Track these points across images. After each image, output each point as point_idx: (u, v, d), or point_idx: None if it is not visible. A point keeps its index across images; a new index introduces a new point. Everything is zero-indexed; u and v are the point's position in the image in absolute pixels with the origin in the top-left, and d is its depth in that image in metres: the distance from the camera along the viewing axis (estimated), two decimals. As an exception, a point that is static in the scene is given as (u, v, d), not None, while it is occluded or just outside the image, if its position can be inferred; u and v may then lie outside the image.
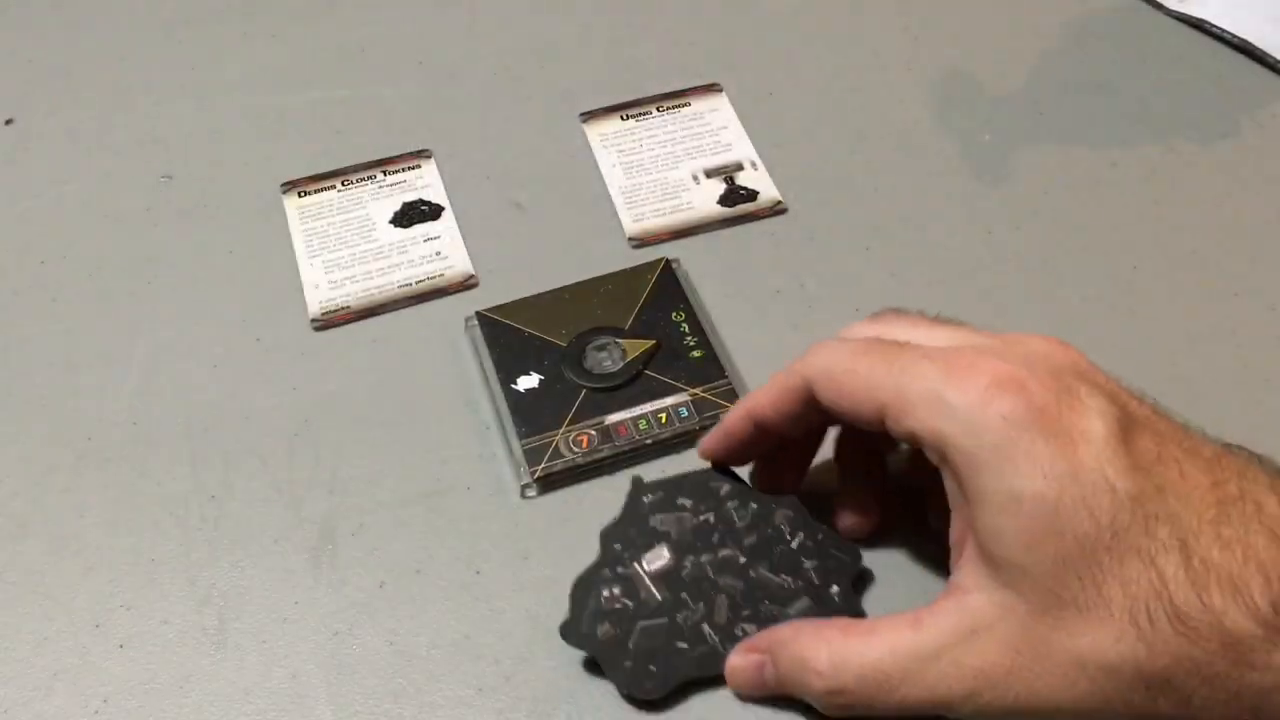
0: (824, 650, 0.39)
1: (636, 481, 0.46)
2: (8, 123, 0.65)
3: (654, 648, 0.43)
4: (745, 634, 0.43)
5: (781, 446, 0.46)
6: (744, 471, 0.47)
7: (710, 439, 0.46)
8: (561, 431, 0.50)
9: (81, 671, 0.45)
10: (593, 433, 0.50)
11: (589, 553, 0.47)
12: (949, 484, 0.38)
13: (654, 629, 0.43)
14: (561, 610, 0.45)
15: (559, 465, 0.49)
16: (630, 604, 0.44)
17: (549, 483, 0.49)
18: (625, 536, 0.45)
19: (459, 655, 0.45)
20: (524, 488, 0.49)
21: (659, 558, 0.44)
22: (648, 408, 0.51)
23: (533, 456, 0.49)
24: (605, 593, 0.44)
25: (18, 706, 0.44)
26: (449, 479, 0.50)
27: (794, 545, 0.45)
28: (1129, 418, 0.36)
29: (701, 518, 0.45)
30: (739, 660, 0.42)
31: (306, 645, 0.45)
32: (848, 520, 0.46)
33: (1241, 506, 0.34)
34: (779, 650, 0.41)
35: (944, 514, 0.40)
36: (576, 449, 0.49)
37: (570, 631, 0.43)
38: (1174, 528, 0.34)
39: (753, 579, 0.44)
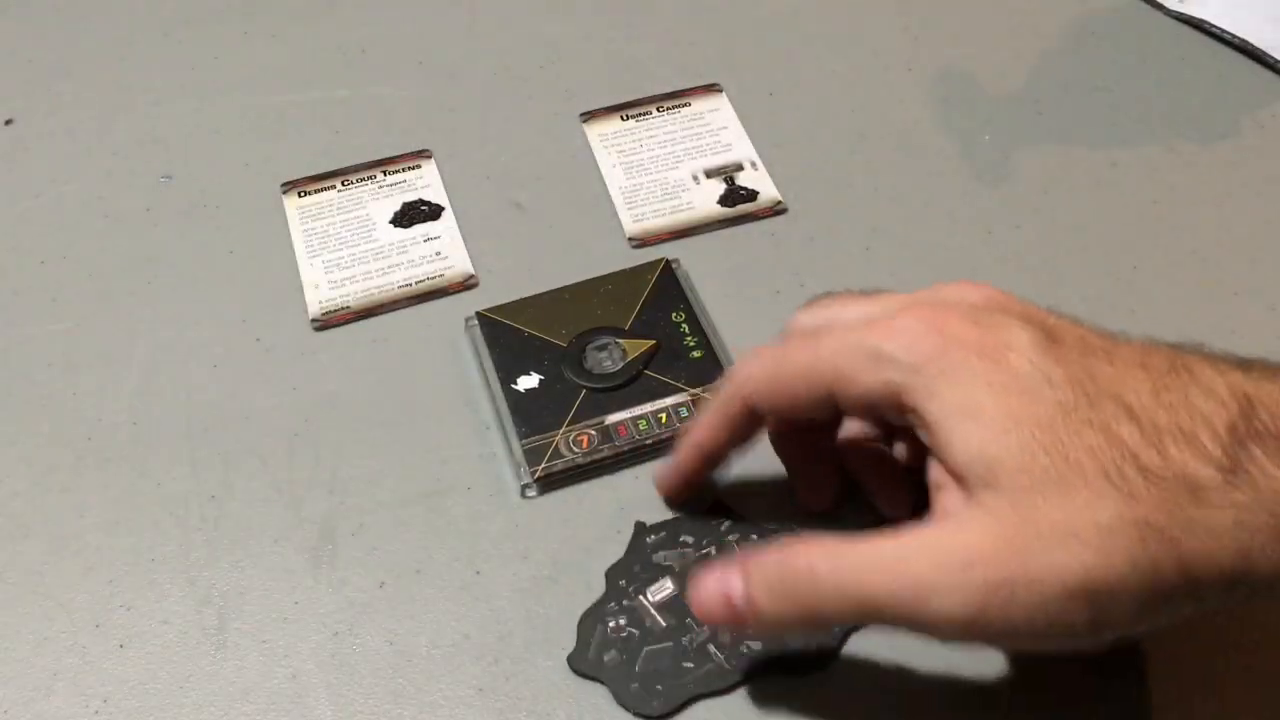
0: (802, 550, 0.37)
1: (639, 525, 0.47)
2: (8, 123, 0.65)
3: (660, 669, 0.43)
4: (750, 650, 0.43)
5: (812, 461, 0.46)
6: (746, 510, 0.47)
7: (664, 479, 0.47)
8: (561, 432, 0.50)
9: (81, 671, 0.45)
10: (593, 433, 0.50)
11: (589, 554, 0.47)
12: (920, 432, 0.39)
13: (659, 652, 0.44)
14: (562, 609, 0.45)
15: (559, 465, 0.49)
16: (636, 632, 0.44)
17: (549, 483, 0.49)
18: (630, 573, 0.46)
19: (459, 655, 0.45)
20: (524, 488, 0.49)
21: (664, 589, 0.45)
22: (648, 408, 0.51)
23: (533, 456, 0.49)
24: (611, 624, 0.44)
25: (18, 706, 0.44)
26: (449, 479, 0.50)
27: (760, 539, 0.45)
28: (1048, 329, 0.38)
29: (703, 551, 0.46)
30: (709, 579, 0.39)
31: (306, 645, 0.45)
32: (805, 499, 0.47)
33: (1174, 377, 0.36)
34: (752, 561, 0.39)
35: (891, 490, 0.44)
36: (576, 449, 0.49)
37: (578, 661, 0.44)
38: (1117, 403, 0.36)
39: None
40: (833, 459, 0.47)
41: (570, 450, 0.49)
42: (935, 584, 0.35)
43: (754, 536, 0.46)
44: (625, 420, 0.50)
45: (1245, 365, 0.37)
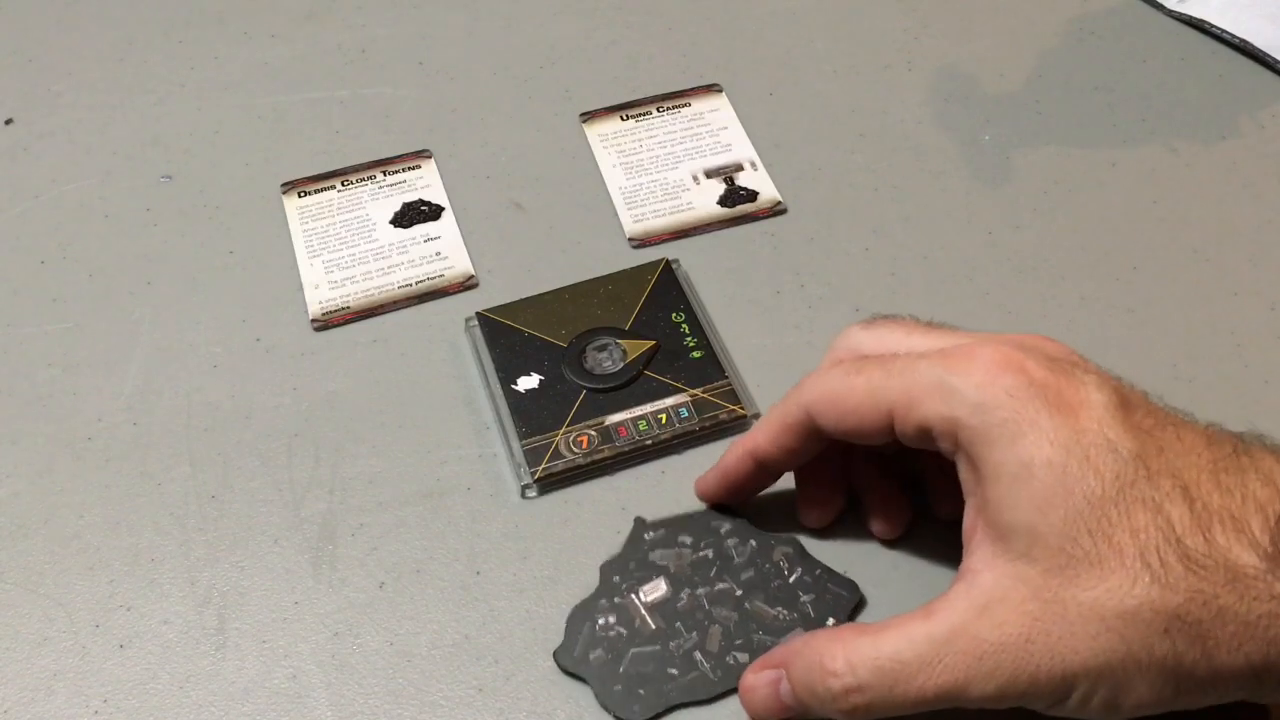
0: (839, 650, 0.38)
1: (639, 521, 0.47)
2: (8, 123, 0.65)
3: (644, 673, 0.43)
4: (737, 662, 0.43)
5: (811, 480, 0.46)
6: (749, 511, 0.47)
7: (708, 480, 0.47)
8: (561, 432, 0.50)
9: (81, 672, 0.45)
10: (593, 433, 0.50)
11: (588, 554, 0.47)
12: (963, 471, 0.39)
13: (645, 655, 0.44)
14: (562, 609, 0.45)
15: (559, 466, 0.49)
16: (624, 632, 0.44)
17: (549, 483, 0.49)
18: (625, 570, 0.46)
19: (459, 655, 0.45)
20: (524, 488, 0.49)
21: (656, 589, 0.45)
22: (648, 408, 0.51)
23: (533, 457, 0.49)
24: (601, 620, 0.44)
25: (18, 707, 0.44)
26: (449, 479, 0.50)
27: (791, 580, 0.45)
28: (1123, 395, 0.38)
29: (700, 553, 0.46)
30: (753, 679, 0.41)
31: (306, 645, 0.45)
32: (808, 514, 0.47)
33: (1236, 460, 0.36)
34: (793, 660, 0.40)
35: (889, 512, 0.45)
36: (576, 449, 0.49)
37: (564, 656, 0.44)
38: (1176, 479, 0.35)
39: (747, 610, 0.44)
40: (842, 481, 0.47)
41: (570, 451, 0.49)
42: (971, 676, 0.36)
43: (752, 542, 0.46)
44: (625, 420, 0.50)
45: None
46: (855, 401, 0.40)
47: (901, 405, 0.39)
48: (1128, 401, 0.37)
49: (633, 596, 0.45)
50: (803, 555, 0.46)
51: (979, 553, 0.38)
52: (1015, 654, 0.35)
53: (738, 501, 0.47)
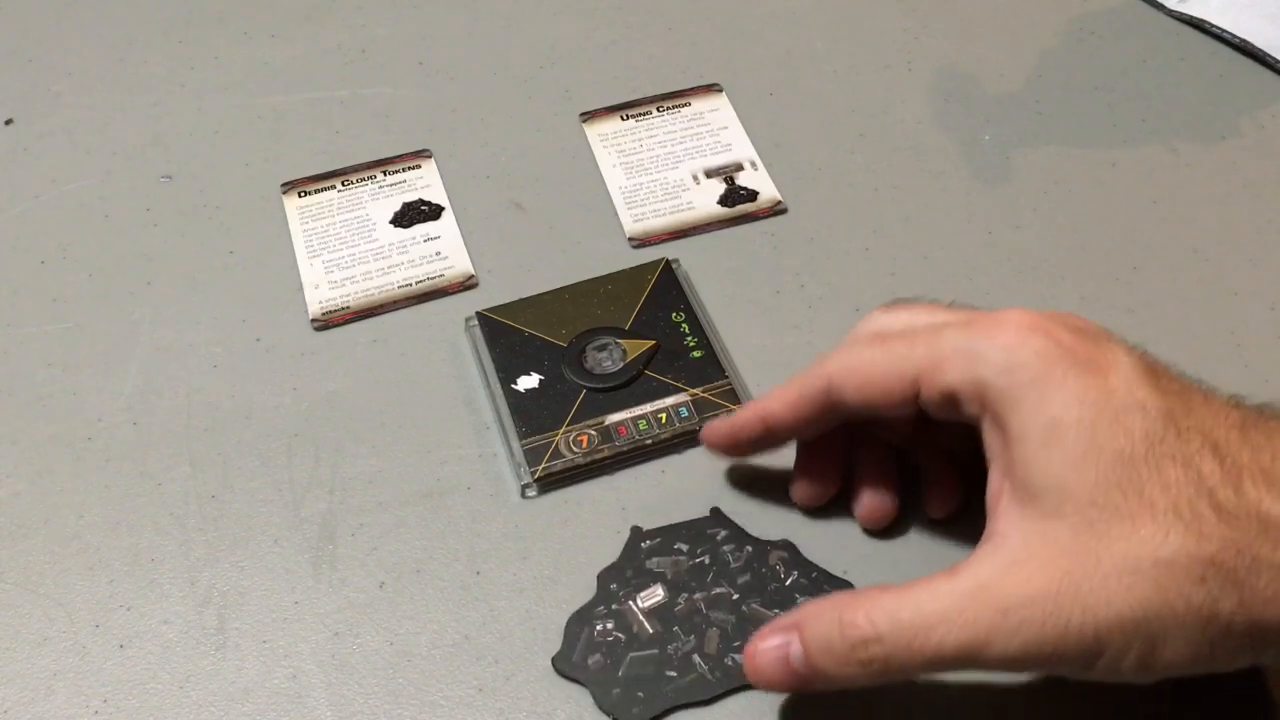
0: (860, 603, 0.37)
1: (635, 530, 0.47)
2: (8, 123, 0.65)
3: (643, 676, 0.43)
4: (735, 663, 0.43)
5: (813, 455, 0.46)
6: (745, 516, 0.47)
7: (715, 429, 0.46)
8: (561, 432, 0.50)
9: (81, 672, 0.45)
10: (593, 433, 0.50)
11: (588, 554, 0.47)
12: (988, 436, 0.39)
13: (644, 659, 0.44)
14: (562, 609, 0.45)
15: (559, 465, 0.49)
16: (622, 637, 0.44)
17: (549, 483, 0.49)
18: (622, 577, 0.46)
19: (459, 655, 0.45)
20: (524, 488, 0.49)
21: (653, 595, 0.45)
22: (648, 408, 0.51)
23: (533, 457, 0.49)
24: (599, 626, 0.44)
25: (18, 707, 0.44)
26: (449, 479, 0.50)
27: (788, 583, 0.45)
28: (1150, 361, 0.38)
29: (697, 560, 0.46)
30: (764, 642, 0.39)
31: (307, 645, 0.45)
32: (802, 490, 0.46)
33: (1264, 422, 0.37)
34: (808, 620, 0.38)
35: (944, 492, 0.45)
36: (576, 449, 0.49)
37: (562, 663, 0.44)
38: (1205, 436, 0.36)
39: (745, 613, 0.44)
40: (842, 463, 0.47)
41: (570, 450, 0.49)
42: (994, 632, 0.35)
43: (748, 548, 0.46)
44: (625, 420, 0.50)
45: None
46: (879, 370, 0.40)
47: (927, 371, 0.39)
48: (1154, 367, 0.38)
49: (630, 603, 0.45)
50: (799, 559, 0.46)
51: (1005, 516, 0.37)
52: (1043, 609, 0.34)
53: (738, 456, 0.47)
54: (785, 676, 0.39)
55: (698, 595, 0.45)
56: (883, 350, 0.40)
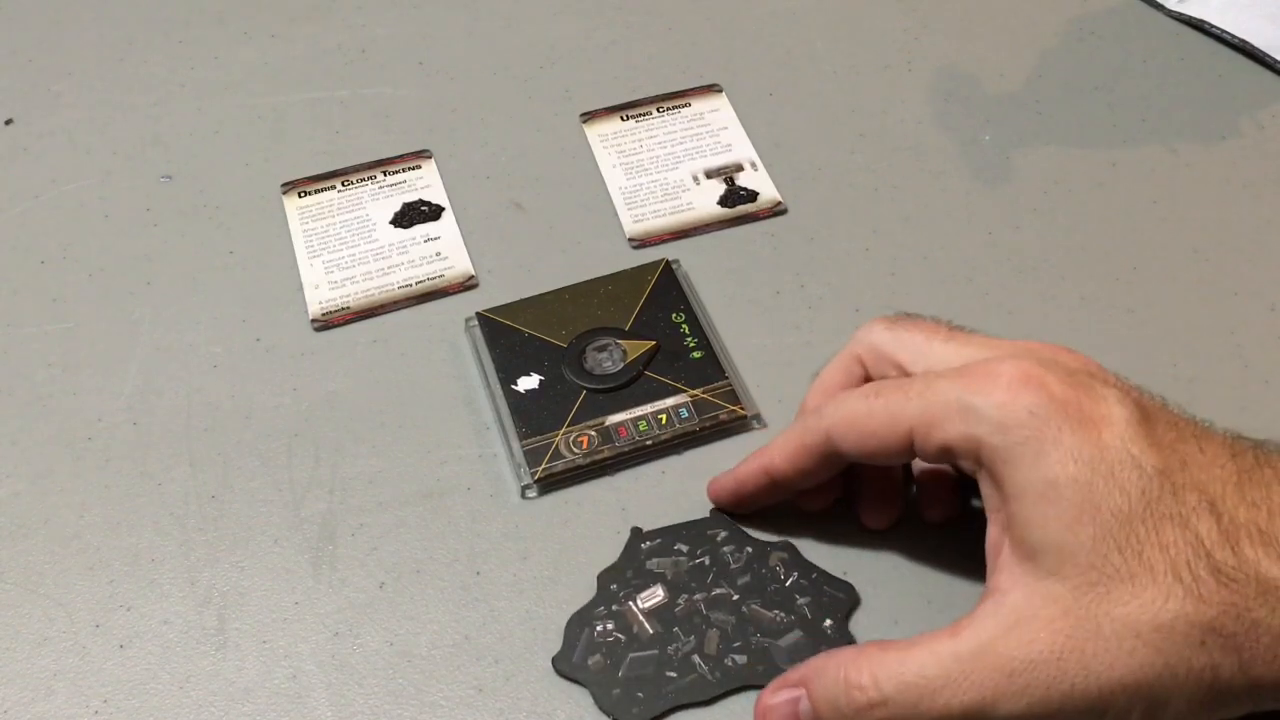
0: (865, 665, 0.38)
1: (635, 531, 0.47)
2: (8, 123, 0.65)
3: (643, 676, 0.43)
4: (735, 664, 0.43)
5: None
6: (745, 518, 0.47)
7: (722, 486, 0.47)
8: (562, 432, 0.50)
9: (81, 672, 0.45)
10: (593, 434, 0.50)
11: (588, 555, 0.47)
12: (985, 489, 0.39)
13: (644, 659, 0.44)
14: (562, 610, 0.45)
15: (559, 466, 0.49)
16: (622, 637, 0.44)
17: (549, 483, 0.49)
18: (622, 578, 0.46)
19: (459, 655, 0.45)
20: (524, 488, 0.49)
21: (654, 596, 0.45)
22: (648, 409, 0.51)
23: (533, 457, 0.49)
24: (599, 627, 0.44)
25: (18, 707, 0.44)
26: (449, 479, 0.50)
27: (788, 584, 0.45)
28: (1144, 408, 0.38)
29: (697, 560, 0.46)
30: (771, 699, 0.41)
31: (307, 645, 0.45)
32: (805, 496, 0.46)
33: (1260, 473, 0.36)
34: (814, 678, 0.39)
35: (883, 504, 0.45)
36: (577, 450, 0.49)
37: (562, 663, 0.44)
38: (1201, 494, 0.35)
39: (745, 614, 0.44)
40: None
41: (570, 451, 0.49)
42: (1000, 693, 0.35)
43: (748, 549, 0.46)
44: (625, 421, 0.50)
45: None
46: (875, 425, 0.40)
47: (922, 426, 0.39)
48: (1149, 415, 0.37)
49: (630, 604, 0.45)
50: (799, 560, 0.46)
51: (1006, 571, 0.37)
52: (1047, 671, 0.35)
53: (747, 511, 0.47)
54: None
55: (698, 596, 0.45)
56: (879, 404, 0.40)
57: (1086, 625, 0.35)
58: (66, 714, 0.44)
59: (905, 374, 0.42)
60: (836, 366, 0.45)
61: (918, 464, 0.47)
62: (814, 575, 0.45)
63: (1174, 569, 0.34)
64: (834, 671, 0.38)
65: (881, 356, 0.43)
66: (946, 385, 0.39)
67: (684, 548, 0.46)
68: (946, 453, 0.39)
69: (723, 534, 0.47)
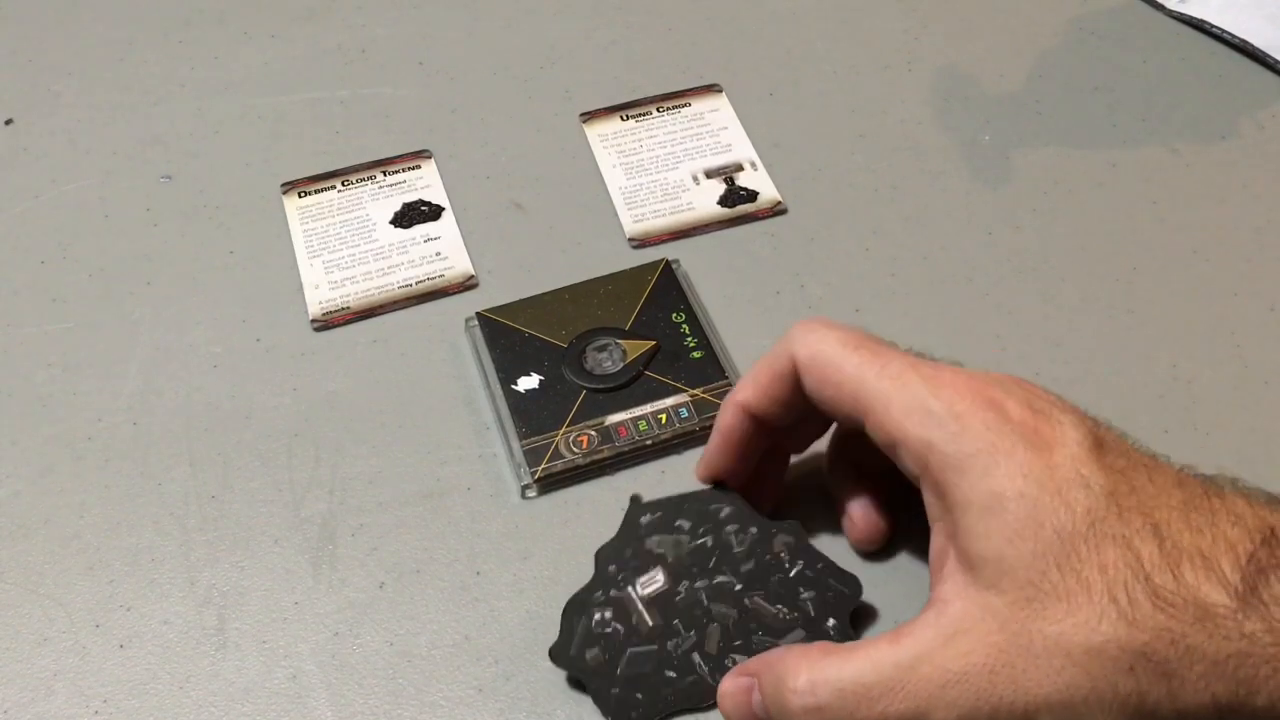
0: (804, 668, 0.38)
1: (635, 500, 0.46)
2: (8, 123, 0.65)
3: (642, 675, 0.43)
4: (735, 665, 0.43)
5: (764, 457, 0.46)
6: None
7: (707, 452, 0.45)
8: (561, 432, 0.50)
9: (81, 672, 0.45)
10: (593, 433, 0.50)
11: (588, 554, 0.47)
12: (928, 497, 0.39)
13: (643, 656, 0.43)
14: (562, 610, 0.45)
15: (559, 466, 0.49)
16: (621, 629, 0.43)
17: (549, 483, 0.49)
18: (621, 558, 0.45)
19: (459, 655, 0.45)
20: (524, 488, 0.49)
21: (653, 581, 0.44)
22: (648, 408, 0.51)
23: (533, 457, 0.49)
24: (597, 615, 0.44)
25: (18, 707, 0.44)
26: (449, 479, 0.50)
27: (792, 574, 0.44)
28: (1098, 436, 0.38)
29: (699, 541, 0.45)
30: (729, 684, 0.41)
31: (307, 645, 0.45)
32: (857, 531, 0.46)
33: (1208, 500, 0.36)
34: (764, 672, 0.40)
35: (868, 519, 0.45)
36: (576, 450, 0.49)
37: (559, 654, 0.43)
38: (1146, 517, 0.36)
39: (748, 608, 0.44)
40: (783, 468, 0.47)
41: (570, 451, 0.49)
42: (933, 704, 0.36)
43: (753, 529, 0.45)
44: (625, 421, 0.50)
45: (1271, 498, 0.37)
46: (840, 378, 0.40)
47: (880, 409, 0.39)
48: (1102, 442, 0.37)
49: (630, 589, 0.44)
50: (804, 546, 0.45)
51: (949, 581, 0.38)
52: (978, 684, 0.36)
53: (738, 470, 0.45)
54: (749, 718, 0.41)
55: (699, 584, 0.44)
56: (854, 360, 0.40)
57: (1020, 640, 0.35)
58: (66, 714, 0.44)
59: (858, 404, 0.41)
60: (768, 363, 0.43)
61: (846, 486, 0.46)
62: (820, 565, 0.44)
63: (1110, 590, 0.34)
64: (778, 670, 0.39)
65: (865, 337, 0.42)
66: (914, 379, 0.39)
67: (685, 524, 0.45)
68: (892, 444, 0.39)
69: (726, 509, 0.45)
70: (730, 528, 0.45)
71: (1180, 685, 0.34)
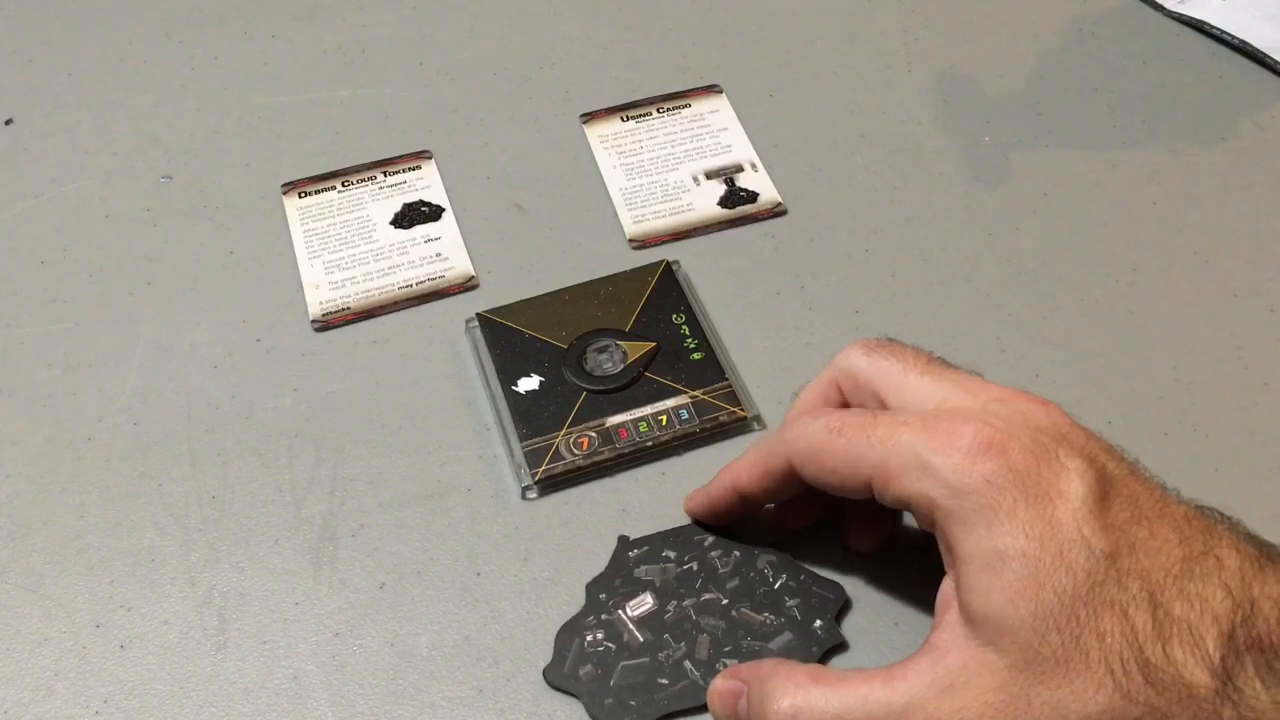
0: (789, 691, 0.38)
1: (622, 539, 0.47)
2: (8, 123, 0.65)
3: (635, 684, 0.43)
4: (725, 668, 0.43)
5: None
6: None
7: (696, 503, 0.47)
8: (562, 433, 0.50)
9: (82, 672, 0.45)
10: (593, 435, 0.50)
11: (589, 555, 0.47)
12: (941, 546, 0.39)
13: (635, 668, 0.43)
14: (562, 612, 0.45)
15: (559, 467, 0.49)
16: (613, 646, 0.44)
17: (549, 485, 0.49)
18: (610, 587, 0.46)
19: (459, 656, 0.45)
20: (524, 489, 0.49)
21: (643, 604, 0.45)
22: (648, 410, 0.51)
23: (533, 458, 0.49)
24: (589, 637, 0.44)
25: (18, 707, 0.44)
26: (449, 480, 0.50)
27: (776, 586, 0.45)
28: (1106, 479, 0.37)
29: (685, 566, 0.46)
30: (720, 684, 0.41)
31: (307, 646, 0.45)
32: (857, 539, 0.46)
33: (1204, 562, 0.36)
34: (754, 684, 0.40)
35: (863, 534, 0.45)
36: (577, 451, 0.49)
37: (554, 674, 0.44)
38: (1144, 582, 0.35)
39: (735, 618, 0.44)
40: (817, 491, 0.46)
41: (570, 452, 0.49)
42: None
43: (736, 553, 0.46)
44: (626, 422, 0.50)
45: (1265, 554, 0.36)
46: (836, 463, 0.40)
47: (880, 476, 0.39)
48: (1107, 490, 0.37)
49: (620, 612, 0.45)
50: (787, 562, 0.46)
51: (949, 630, 0.37)
52: None
53: (720, 524, 0.47)
54: None
55: (687, 602, 0.45)
56: (841, 443, 0.40)
57: (1018, 703, 0.35)
58: (66, 714, 0.44)
59: (881, 404, 0.42)
60: (815, 390, 0.45)
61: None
62: (802, 577, 0.45)
63: (1107, 660, 0.34)
64: (766, 687, 0.39)
65: (859, 384, 0.43)
66: (909, 437, 0.38)
67: (671, 554, 0.46)
68: (903, 504, 0.39)
69: (709, 539, 0.47)
70: (714, 552, 0.46)
71: None
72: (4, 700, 0.44)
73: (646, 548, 0.47)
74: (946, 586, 0.39)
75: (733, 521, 0.47)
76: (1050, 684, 0.35)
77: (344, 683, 0.44)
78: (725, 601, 0.45)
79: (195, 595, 0.47)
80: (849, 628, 0.45)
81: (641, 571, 0.46)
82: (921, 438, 0.38)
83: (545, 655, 0.44)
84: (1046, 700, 0.35)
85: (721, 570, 0.46)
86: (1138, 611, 0.35)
